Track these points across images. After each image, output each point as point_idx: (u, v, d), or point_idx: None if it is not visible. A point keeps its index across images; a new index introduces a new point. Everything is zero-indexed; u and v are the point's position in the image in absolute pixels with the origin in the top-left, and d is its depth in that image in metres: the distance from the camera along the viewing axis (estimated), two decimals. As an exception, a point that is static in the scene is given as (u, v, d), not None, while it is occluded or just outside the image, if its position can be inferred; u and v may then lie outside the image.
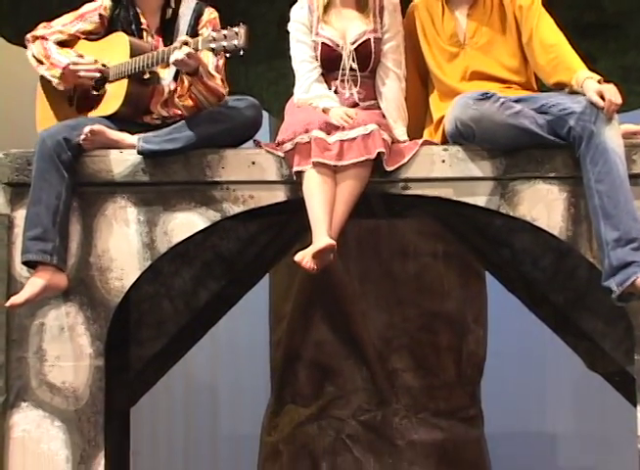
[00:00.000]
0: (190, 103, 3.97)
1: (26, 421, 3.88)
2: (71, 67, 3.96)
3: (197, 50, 3.81)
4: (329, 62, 3.98)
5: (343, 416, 5.30)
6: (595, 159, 3.70)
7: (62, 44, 4.07)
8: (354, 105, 3.98)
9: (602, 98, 3.72)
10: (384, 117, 3.97)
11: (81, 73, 3.97)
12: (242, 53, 3.76)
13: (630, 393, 3.95)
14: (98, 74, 3.97)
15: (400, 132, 3.96)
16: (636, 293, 3.64)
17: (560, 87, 3.87)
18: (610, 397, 4.65)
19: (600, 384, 4.51)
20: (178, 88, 4.00)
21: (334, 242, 3.67)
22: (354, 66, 3.97)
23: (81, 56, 4.01)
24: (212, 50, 3.80)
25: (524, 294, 4.48)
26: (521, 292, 4.49)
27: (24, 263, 3.84)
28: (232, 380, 6.60)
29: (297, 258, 3.71)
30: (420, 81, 4.11)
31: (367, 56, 3.98)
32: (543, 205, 3.83)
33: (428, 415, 5.32)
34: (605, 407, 6.19)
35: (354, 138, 3.80)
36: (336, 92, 3.98)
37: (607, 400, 5.77)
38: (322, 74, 3.99)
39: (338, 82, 3.98)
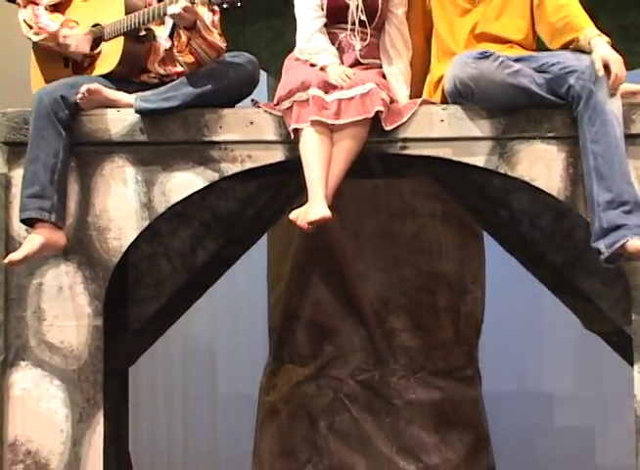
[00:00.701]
0: (191, 59, 3.94)
1: (26, 380, 3.89)
2: (61, 40, 3.94)
3: (193, 3, 3.78)
4: (335, 12, 3.95)
5: (342, 376, 5.31)
6: (592, 119, 3.69)
7: (55, 7, 4.04)
8: (356, 61, 3.96)
9: (606, 67, 3.70)
10: (383, 76, 3.96)
11: (71, 49, 3.95)
12: (240, 5, 3.72)
13: (628, 352, 3.96)
14: (87, 50, 3.95)
15: (403, 96, 3.95)
16: (625, 255, 3.65)
17: (566, 48, 3.85)
18: (607, 357, 4.67)
19: (597, 344, 4.52)
20: (176, 43, 3.97)
21: (329, 214, 3.68)
22: (363, 17, 3.95)
23: (73, 25, 3.98)
24: (209, 2, 3.77)
25: (522, 254, 4.48)
26: (519, 252, 4.49)
27: (22, 221, 3.84)
28: (230, 340, 6.61)
29: (292, 216, 3.72)
30: (424, 40, 4.09)
31: (374, 11, 3.96)
32: (542, 165, 3.83)
33: (425, 375, 5.33)
34: (602, 367, 6.21)
35: (352, 97, 3.79)
36: (340, 45, 3.96)
37: (604, 360, 5.79)
38: (326, 26, 3.96)
39: (346, 34, 3.96)
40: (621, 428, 5.77)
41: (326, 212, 3.69)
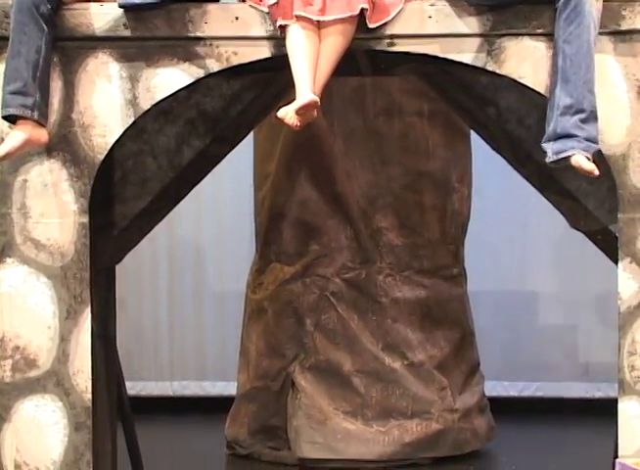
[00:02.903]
0: None
1: (12, 277, 3.90)
2: None
3: None
4: None
5: (328, 274, 5.34)
6: (570, 17, 3.67)
7: None
8: None
9: None
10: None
11: None
12: None
13: (612, 251, 3.99)
14: None
15: None
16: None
17: None
18: (591, 255, 4.69)
19: (582, 242, 4.53)
20: None
21: (317, 98, 3.65)
22: None
23: None
24: None
25: (508, 153, 4.47)
26: (505, 151, 4.48)
27: (5, 118, 3.81)
28: (217, 238, 6.62)
29: (280, 114, 3.69)
30: None
31: None
32: (530, 62, 3.80)
33: (411, 273, 5.37)
34: (586, 266, 6.25)
35: (338, -7, 3.74)
36: None
37: (588, 259, 5.83)
38: None
39: None
40: (604, 326, 5.83)
41: (313, 97, 3.64)
